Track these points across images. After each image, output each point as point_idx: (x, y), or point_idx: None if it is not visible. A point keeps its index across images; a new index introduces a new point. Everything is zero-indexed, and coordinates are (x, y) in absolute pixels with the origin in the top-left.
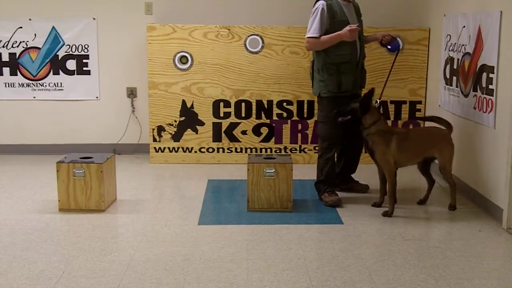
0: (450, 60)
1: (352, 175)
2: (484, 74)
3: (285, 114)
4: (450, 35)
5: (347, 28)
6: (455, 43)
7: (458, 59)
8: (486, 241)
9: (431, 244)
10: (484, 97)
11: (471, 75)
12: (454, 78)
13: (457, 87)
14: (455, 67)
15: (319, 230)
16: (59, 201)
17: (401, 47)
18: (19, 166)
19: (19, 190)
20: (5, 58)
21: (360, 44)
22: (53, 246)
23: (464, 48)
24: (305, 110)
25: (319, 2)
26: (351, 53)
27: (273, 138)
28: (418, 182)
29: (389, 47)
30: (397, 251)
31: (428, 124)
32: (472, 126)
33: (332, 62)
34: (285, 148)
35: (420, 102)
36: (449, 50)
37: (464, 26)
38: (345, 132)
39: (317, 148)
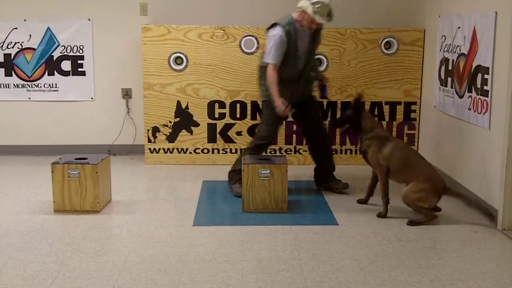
0: (445, 61)
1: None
2: (479, 75)
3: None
4: (445, 36)
5: (281, 108)
6: (450, 44)
7: (453, 60)
8: (481, 242)
9: (426, 245)
10: (479, 98)
11: (466, 76)
12: (449, 79)
13: (452, 88)
14: (450, 68)
15: (314, 231)
16: (54, 202)
17: (326, 94)
18: (14, 167)
19: (14, 190)
20: (0, 59)
21: (308, 60)
22: (48, 247)
23: (459, 49)
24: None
25: (277, 29)
26: (290, 72)
27: None
28: None
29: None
30: (392, 252)
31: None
32: (467, 127)
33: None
34: (280, 149)
35: (415, 103)
36: (444, 51)
37: (459, 27)
38: (310, 132)
39: None
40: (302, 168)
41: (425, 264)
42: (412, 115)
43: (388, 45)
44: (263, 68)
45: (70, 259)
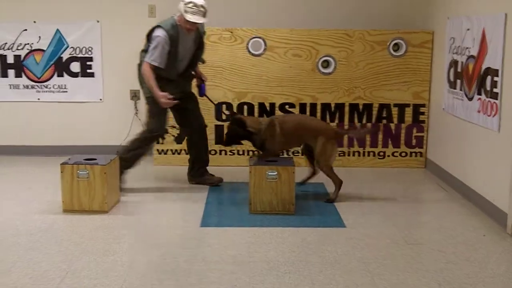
0: (454, 63)
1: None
2: (489, 78)
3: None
4: (454, 38)
5: (163, 99)
6: (459, 46)
7: (462, 62)
8: (490, 245)
9: (434, 248)
10: (489, 101)
11: (475, 78)
12: (458, 81)
13: (461, 90)
14: (459, 70)
15: (322, 233)
16: (63, 202)
17: (205, 93)
18: (23, 167)
19: (23, 191)
20: (10, 60)
21: (190, 62)
22: (57, 247)
23: (468, 51)
24: (308, 113)
25: (160, 31)
26: (170, 73)
27: None
28: (422, 184)
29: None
30: (400, 255)
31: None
32: (475, 130)
33: (155, 75)
34: (287, 151)
35: (423, 105)
36: (453, 53)
37: (468, 29)
38: (188, 126)
39: None
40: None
41: (433, 267)
42: (421, 117)
43: (397, 47)
44: (139, 66)
45: (78, 258)
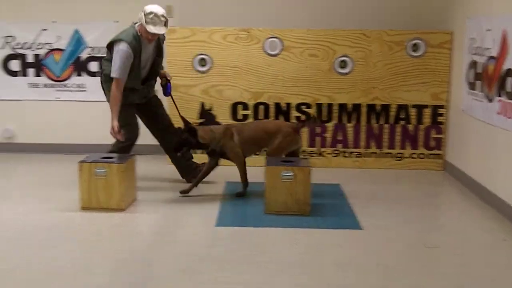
0: (473, 64)
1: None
2: (510, 79)
3: (303, 117)
4: (473, 38)
5: (113, 130)
6: (479, 47)
7: (482, 63)
8: (510, 250)
9: (452, 251)
10: (509, 102)
11: (496, 80)
12: (478, 82)
13: (481, 91)
14: (479, 71)
15: (337, 235)
16: (81, 199)
17: (169, 91)
18: (42, 165)
19: (42, 188)
20: (30, 59)
21: (152, 69)
22: (74, 244)
23: (489, 52)
24: (324, 113)
25: (122, 45)
26: (133, 82)
27: None
28: (440, 186)
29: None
30: (417, 258)
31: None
32: (496, 132)
33: None
34: (303, 151)
35: (442, 107)
36: (473, 54)
37: (488, 29)
38: (158, 128)
39: (336, 151)
40: (325, 171)
41: (451, 271)
42: (439, 118)
43: (416, 47)
44: (106, 76)
45: (94, 256)
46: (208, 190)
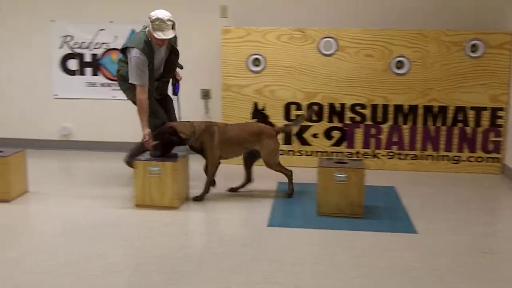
0: None
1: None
2: None
3: (358, 118)
4: None
5: (146, 138)
6: None
7: None
8: None
9: (509, 257)
10: None
11: None
12: None
13: None
14: None
15: (391, 238)
16: (135, 197)
17: (178, 91)
18: (98, 163)
19: (97, 185)
20: (88, 59)
21: (166, 66)
22: (128, 241)
23: None
24: (379, 114)
25: (135, 51)
26: (151, 81)
27: (345, 142)
28: (498, 190)
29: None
30: (473, 263)
31: None
32: None
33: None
34: (357, 152)
35: (501, 109)
36: None
37: None
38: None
39: (391, 153)
40: (379, 173)
41: (508, 277)
42: (498, 121)
43: (474, 48)
44: (121, 76)
45: (147, 253)
46: (260, 190)
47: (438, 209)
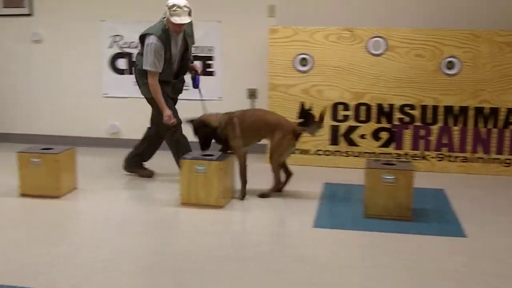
0: None
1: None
2: None
3: (407, 119)
4: None
5: (168, 118)
6: None
7: None
8: None
9: None
10: None
11: None
12: None
13: None
14: None
15: (440, 242)
16: (180, 195)
17: (198, 84)
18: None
19: (145, 182)
20: None
21: (182, 63)
22: (173, 238)
23: None
24: (429, 115)
25: (151, 38)
26: (167, 75)
27: (394, 143)
28: None
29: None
30: None
31: None
32: None
33: None
34: (406, 154)
35: None
36: None
37: None
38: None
39: (440, 155)
40: (428, 175)
41: None
42: None
43: None
44: (139, 71)
45: (192, 251)
46: (306, 191)
47: (489, 212)
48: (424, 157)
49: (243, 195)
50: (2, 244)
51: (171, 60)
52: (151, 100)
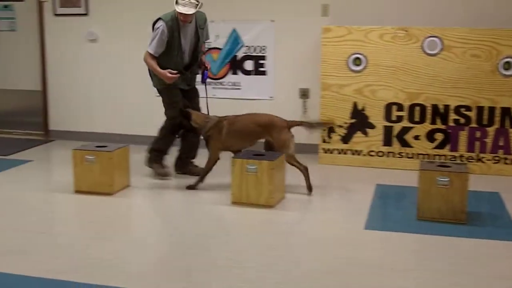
0: None
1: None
2: None
3: (462, 120)
4: None
5: (168, 74)
6: None
7: None
8: None
9: None
10: None
11: None
12: None
13: None
14: None
15: (495, 246)
16: (232, 194)
17: (206, 79)
18: (199, 159)
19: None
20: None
21: (194, 54)
22: (226, 237)
23: None
24: (485, 117)
25: (160, 23)
26: (175, 63)
27: (448, 145)
28: None
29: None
30: None
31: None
32: None
33: (161, 66)
34: (461, 156)
35: None
36: None
37: None
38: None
39: (496, 157)
40: (484, 178)
41: None
42: None
43: None
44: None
45: (245, 250)
46: (358, 192)
47: None
48: (479, 160)
49: (195, 185)
50: (58, 239)
51: (180, 49)
52: (161, 91)
